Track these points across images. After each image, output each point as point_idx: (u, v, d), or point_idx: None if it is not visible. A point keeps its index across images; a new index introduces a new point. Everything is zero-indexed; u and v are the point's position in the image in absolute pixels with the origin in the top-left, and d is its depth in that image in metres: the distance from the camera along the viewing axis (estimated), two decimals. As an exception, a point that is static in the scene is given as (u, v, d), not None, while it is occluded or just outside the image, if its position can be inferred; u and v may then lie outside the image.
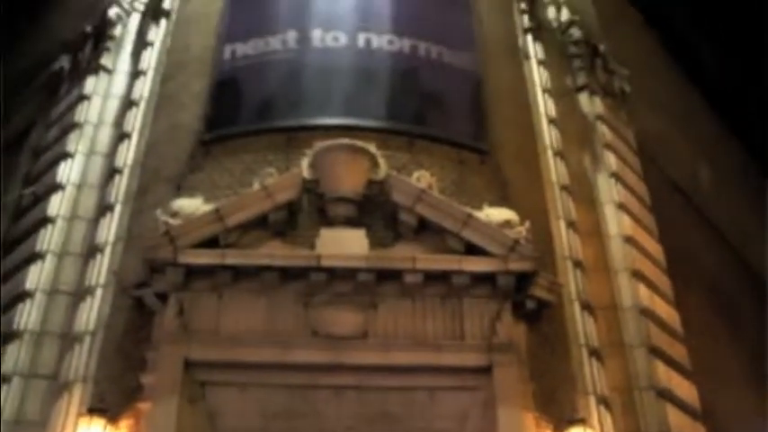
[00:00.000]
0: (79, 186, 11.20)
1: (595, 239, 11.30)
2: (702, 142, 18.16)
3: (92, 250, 10.29)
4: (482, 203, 9.72)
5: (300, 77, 10.53)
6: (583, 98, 12.98)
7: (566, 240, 10.75)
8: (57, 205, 10.91)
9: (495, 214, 9.56)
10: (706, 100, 19.65)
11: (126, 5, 13.05)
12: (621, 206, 11.78)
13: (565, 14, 13.78)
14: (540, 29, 12.96)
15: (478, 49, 11.46)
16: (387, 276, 8.88)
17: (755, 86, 19.95)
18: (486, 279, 8.99)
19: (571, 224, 10.94)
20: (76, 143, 11.58)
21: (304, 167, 9.42)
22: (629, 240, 11.33)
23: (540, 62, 12.41)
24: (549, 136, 11.66)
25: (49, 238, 10.58)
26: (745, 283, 16.81)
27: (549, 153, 11.50)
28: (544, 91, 12.09)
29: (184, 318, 8.67)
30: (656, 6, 18.48)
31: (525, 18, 12.85)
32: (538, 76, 12.24)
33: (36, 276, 10.18)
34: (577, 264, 10.58)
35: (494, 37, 12.01)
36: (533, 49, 12.54)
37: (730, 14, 20.38)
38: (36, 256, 10.37)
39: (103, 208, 10.70)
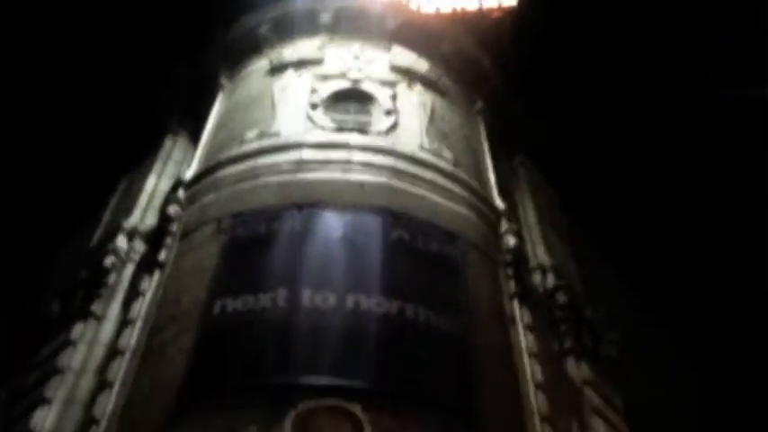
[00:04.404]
0: (53, 436, 10.91)
1: None
2: (694, 408, 17.98)
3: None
4: (468, 469, 9.48)
5: (289, 336, 10.51)
6: (570, 363, 13.03)
7: None
8: (27, 455, 10.60)
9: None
10: (695, 364, 19.71)
11: (122, 255, 13.39)
12: (612, 474, 11.48)
13: (550, 280, 14.14)
14: (526, 294, 13.20)
15: (465, 314, 11.60)
16: None
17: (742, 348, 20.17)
18: None
19: (560, 494, 10.59)
20: (55, 389, 11.42)
21: (286, 428, 9.22)
22: None
23: (526, 327, 12.50)
24: (535, 401, 11.50)
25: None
26: None
27: (537, 419, 11.27)
28: (531, 355, 12.08)
29: None
30: (640, 269, 19.09)
31: (512, 284, 13.10)
32: (524, 340, 12.28)
33: None
34: None
35: (481, 301, 12.21)
36: (520, 313, 12.66)
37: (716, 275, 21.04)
38: None
39: (75, 460, 10.36)
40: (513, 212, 15.04)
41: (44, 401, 11.23)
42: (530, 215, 15.89)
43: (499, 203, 14.58)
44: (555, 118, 19.31)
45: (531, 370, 11.89)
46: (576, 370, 13.01)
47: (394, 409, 9.87)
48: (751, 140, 19.69)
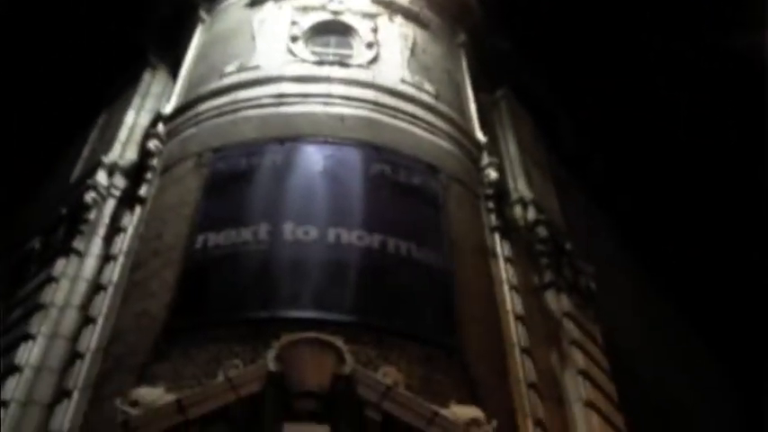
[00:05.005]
0: (38, 370, 10.96)
1: (564, 439, 11.14)
2: (670, 341, 18.27)
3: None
4: (449, 401, 9.62)
5: (270, 270, 10.56)
6: (550, 295, 13.14)
7: (534, 440, 10.55)
8: (12, 388, 10.63)
9: (462, 412, 9.45)
10: (673, 300, 19.98)
11: (102, 191, 13.31)
12: (590, 404, 11.67)
13: (531, 213, 14.18)
14: (507, 227, 13.27)
15: (447, 247, 11.65)
16: (350, 476, 8.60)
17: (723, 287, 20.43)
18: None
19: (539, 423, 10.71)
20: (39, 325, 11.44)
21: (270, 360, 9.30)
22: (598, 440, 11.17)
23: (507, 260, 12.60)
24: (516, 333, 11.65)
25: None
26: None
27: (517, 350, 11.44)
28: (511, 288, 12.20)
29: None
30: (620, 208, 19.18)
31: (492, 217, 13.15)
32: (505, 273, 12.38)
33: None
34: (546, 464, 10.37)
35: (462, 235, 12.25)
36: (501, 247, 12.75)
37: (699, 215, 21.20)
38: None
39: (61, 394, 10.42)
40: (494, 146, 15.02)
41: (28, 337, 11.25)
42: (511, 148, 15.85)
43: (480, 137, 14.54)
44: (538, 51, 19.15)
45: (511, 302, 12.02)
46: (556, 302, 13.12)
47: (376, 341, 9.98)
48: (739, 87, 19.69)
